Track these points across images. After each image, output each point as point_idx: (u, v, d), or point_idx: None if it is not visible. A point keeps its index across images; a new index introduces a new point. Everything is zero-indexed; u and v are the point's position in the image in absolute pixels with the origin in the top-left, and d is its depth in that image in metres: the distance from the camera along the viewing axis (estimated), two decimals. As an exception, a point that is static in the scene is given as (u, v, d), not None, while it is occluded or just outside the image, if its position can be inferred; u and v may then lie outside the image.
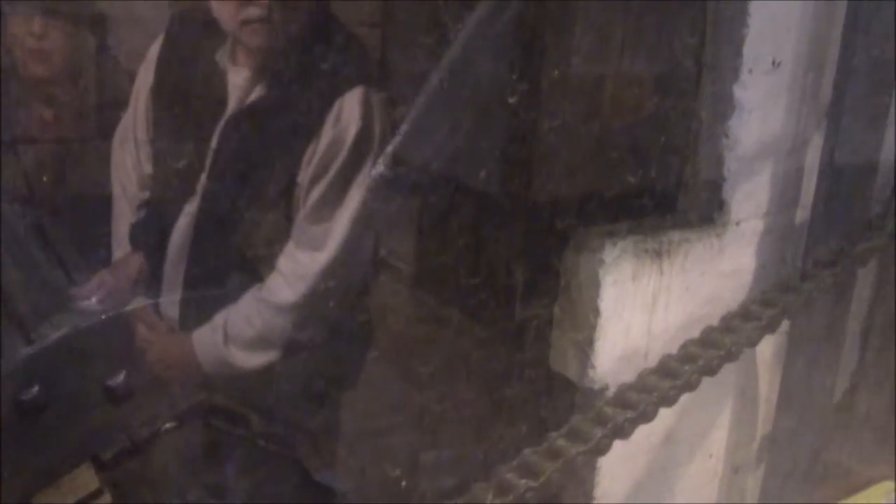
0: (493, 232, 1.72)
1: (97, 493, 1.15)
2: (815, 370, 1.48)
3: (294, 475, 1.18)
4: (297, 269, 1.25)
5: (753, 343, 1.25)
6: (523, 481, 1.05)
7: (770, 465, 1.49)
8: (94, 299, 1.22)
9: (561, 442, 1.10)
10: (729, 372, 1.45)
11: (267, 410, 1.23)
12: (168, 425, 1.17)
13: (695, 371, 1.17)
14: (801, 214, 1.46)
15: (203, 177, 1.26)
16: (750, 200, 1.41)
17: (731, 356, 1.21)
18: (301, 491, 1.17)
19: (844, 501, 1.40)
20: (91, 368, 1.18)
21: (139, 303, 1.27)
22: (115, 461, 1.17)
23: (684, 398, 1.39)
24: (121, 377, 1.19)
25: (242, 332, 1.26)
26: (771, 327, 1.25)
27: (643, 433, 1.37)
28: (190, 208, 1.30)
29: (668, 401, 1.19)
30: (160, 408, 1.19)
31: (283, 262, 1.25)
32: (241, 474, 1.17)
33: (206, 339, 1.27)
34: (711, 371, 1.20)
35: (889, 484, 1.44)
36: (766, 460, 1.51)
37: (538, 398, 1.38)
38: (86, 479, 1.16)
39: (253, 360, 1.27)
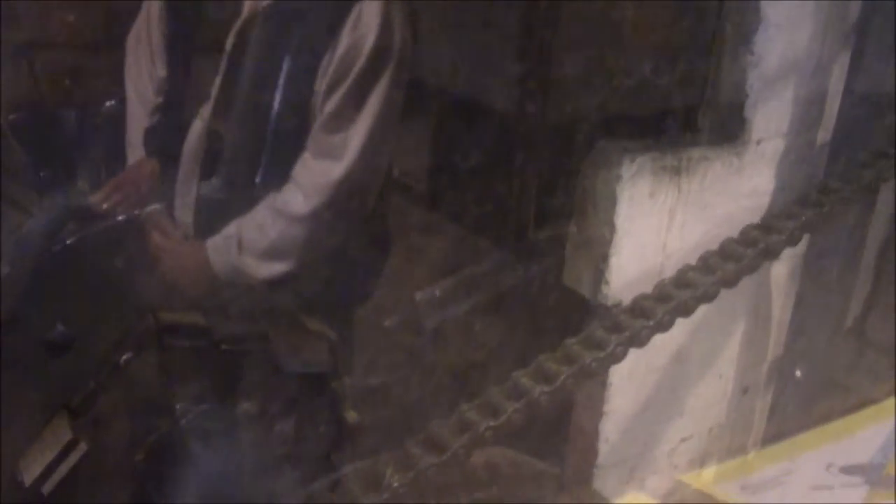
0: (510, 150, 1.71)
1: (74, 443, 1.14)
2: (829, 295, 1.48)
3: (267, 367, 1.17)
4: (313, 179, 1.24)
5: (774, 255, 1.24)
6: (538, 386, 1.05)
7: (779, 387, 1.51)
8: (107, 205, 1.21)
9: (576, 348, 1.10)
10: (742, 293, 1.45)
11: (224, 315, 1.20)
12: (125, 357, 1.15)
13: (714, 282, 1.17)
14: (823, 135, 1.44)
15: (217, 80, 1.24)
16: (771, 120, 1.39)
17: (750, 268, 1.20)
18: (280, 379, 1.16)
19: (863, 412, 1.41)
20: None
21: (153, 208, 1.26)
22: (85, 406, 1.16)
23: (696, 318, 1.40)
24: (58, 329, 1.18)
25: (257, 241, 1.25)
26: (791, 241, 1.24)
27: (653, 352, 1.39)
28: (204, 112, 1.28)
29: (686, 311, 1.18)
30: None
31: (299, 172, 1.24)
32: (215, 380, 1.15)
33: (220, 248, 1.26)
34: (729, 283, 1.19)
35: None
36: (775, 382, 1.52)
37: (551, 314, 1.39)
38: (62, 429, 1.15)
39: (267, 269, 1.26)
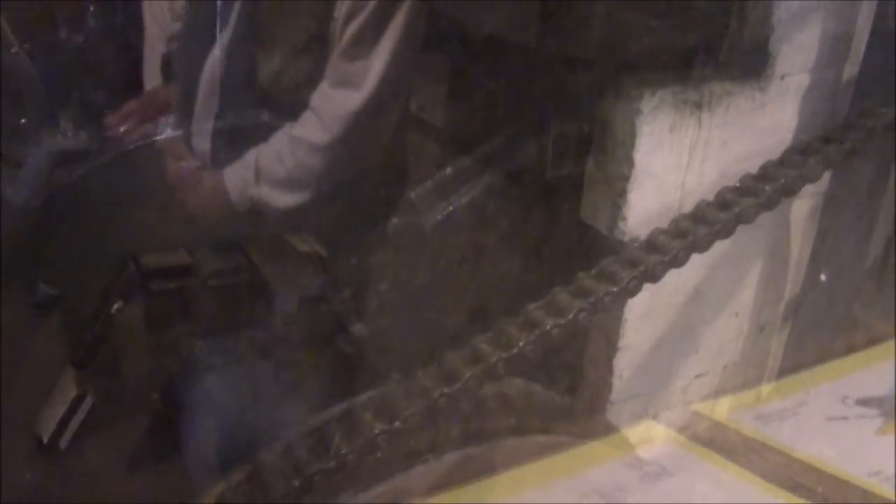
0: (529, 85, 1.68)
1: (81, 398, 1.15)
2: (850, 234, 1.46)
3: (259, 296, 1.17)
4: (331, 108, 1.23)
5: (793, 191, 1.23)
6: (550, 318, 1.05)
7: (795, 326, 1.50)
8: (123, 128, 1.21)
9: (589, 282, 1.10)
10: (761, 231, 1.45)
11: (209, 249, 1.19)
12: (116, 307, 1.16)
13: (731, 218, 1.16)
14: (849, 72, 1.41)
15: (236, 6, 1.22)
16: (797, 54, 1.36)
17: (768, 204, 1.19)
18: (275, 305, 1.16)
19: (880, 346, 1.41)
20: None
21: (170, 136, 1.26)
22: (88, 359, 1.17)
23: (714, 255, 1.39)
24: (42, 289, 1.18)
25: (274, 170, 1.25)
26: (811, 177, 1.22)
27: (670, 289, 1.39)
28: (222, 39, 1.26)
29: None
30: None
31: (317, 101, 1.23)
32: (210, 316, 1.15)
33: (238, 177, 1.26)
34: (747, 219, 1.18)
35: None
36: (791, 320, 1.52)
37: (568, 249, 1.38)
38: (68, 385, 1.16)
39: (285, 199, 1.26)
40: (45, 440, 1.15)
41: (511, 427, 1.12)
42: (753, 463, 1.13)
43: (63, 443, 1.14)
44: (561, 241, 1.42)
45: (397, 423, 0.97)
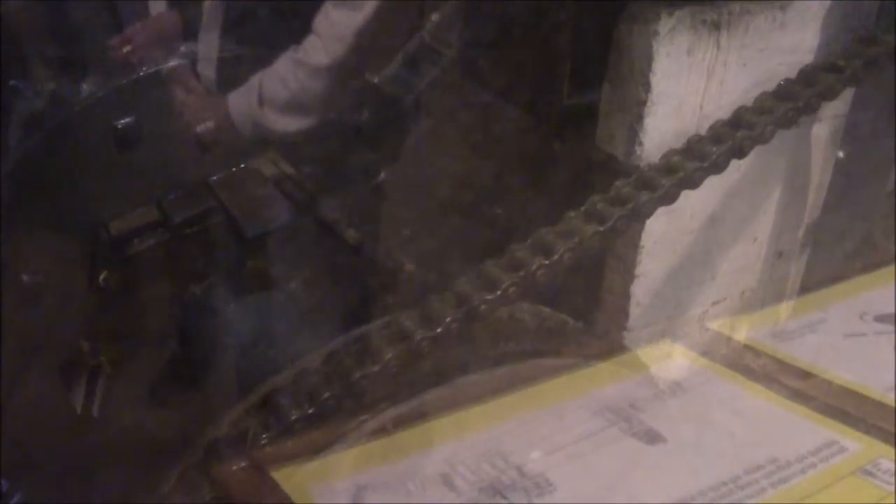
0: (543, 10, 1.65)
1: (97, 370, 1.16)
2: (871, 157, 1.44)
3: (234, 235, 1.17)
4: (333, 29, 1.22)
5: (813, 109, 1.20)
6: (562, 242, 1.05)
7: (814, 252, 1.49)
8: (128, 48, 1.20)
9: (601, 205, 1.09)
10: (780, 156, 1.43)
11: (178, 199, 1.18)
12: (102, 277, 1.15)
13: (746, 137, 1.14)
14: (874, -12, 1.37)
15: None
16: (820, -29, 1.33)
17: (786, 123, 1.17)
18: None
19: (889, 267, 1.40)
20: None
21: (175, 64, 1.25)
22: (93, 331, 1.17)
23: (732, 180, 1.38)
24: (25, 281, 1.16)
25: (277, 93, 1.24)
26: (831, 94, 1.19)
27: (687, 215, 1.38)
28: None
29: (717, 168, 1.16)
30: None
31: (320, 22, 1.22)
32: (193, 264, 1.16)
33: (241, 101, 1.26)
34: (764, 139, 1.16)
35: None
36: (810, 246, 1.50)
37: (583, 175, 1.37)
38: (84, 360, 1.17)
39: (287, 123, 1.26)
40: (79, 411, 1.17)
41: (524, 350, 1.13)
42: (769, 379, 1.13)
43: (95, 411, 1.17)
44: (577, 167, 1.41)
45: (407, 346, 0.98)
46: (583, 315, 1.41)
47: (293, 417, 0.92)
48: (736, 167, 1.37)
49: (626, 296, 1.40)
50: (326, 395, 0.93)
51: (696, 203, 1.37)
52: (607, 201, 1.12)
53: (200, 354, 1.16)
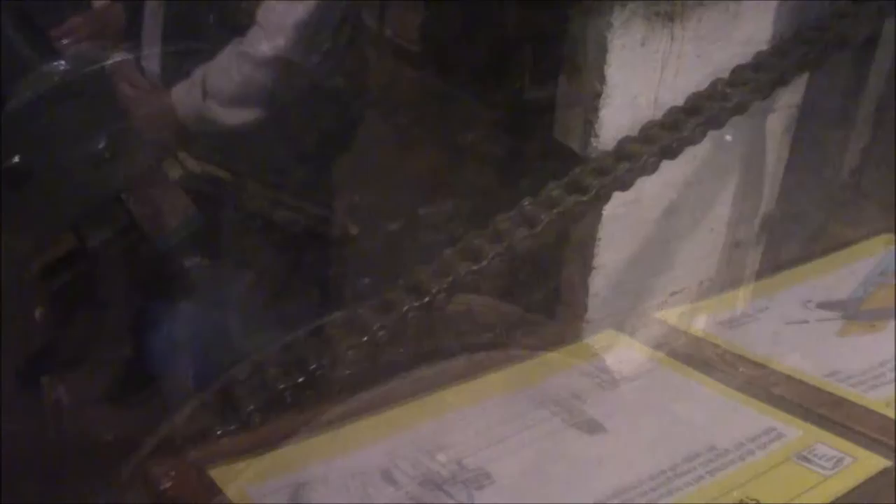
0: (503, 5, 1.65)
1: (58, 403, 1.15)
2: (825, 146, 1.45)
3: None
4: (276, 20, 1.21)
5: (764, 94, 1.21)
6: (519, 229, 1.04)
7: (770, 241, 1.50)
8: (68, 40, 1.18)
9: (556, 192, 1.09)
10: (736, 146, 1.44)
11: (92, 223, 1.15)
12: (38, 314, 1.14)
13: (700, 123, 1.14)
14: (825, -22, 1.38)
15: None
16: (771, -38, 1.34)
17: (740, 108, 1.18)
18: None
19: (846, 250, 1.42)
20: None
21: (119, 57, 1.23)
22: (41, 368, 1.15)
23: (689, 170, 1.39)
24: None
25: (221, 86, 1.23)
26: (783, 80, 1.21)
27: (644, 206, 1.38)
28: None
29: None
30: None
31: (263, 14, 1.21)
32: (120, 278, 1.14)
33: (185, 95, 1.24)
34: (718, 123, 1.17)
35: (888, 236, 1.46)
36: (767, 235, 1.52)
37: (540, 167, 1.37)
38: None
39: (233, 116, 1.25)
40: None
41: (474, 342, 1.13)
42: (711, 368, 1.15)
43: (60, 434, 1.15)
44: (534, 160, 1.41)
45: (366, 338, 0.97)
46: (543, 307, 1.41)
47: (236, 419, 0.91)
48: (692, 157, 1.39)
49: (585, 287, 1.40)
50: (273, 393, 0.92)
51: (652, 194, 1.37)
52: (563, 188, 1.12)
53: (150, 366, 1.15)
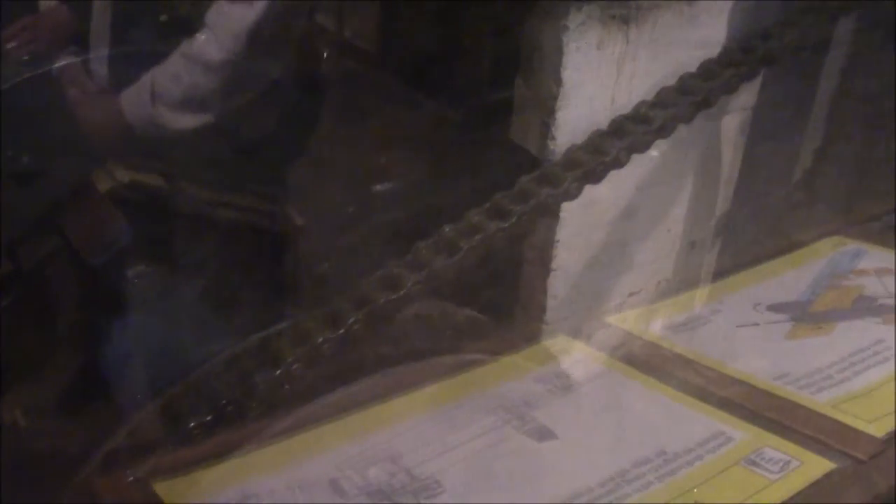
0: (462, 8, 1.65)
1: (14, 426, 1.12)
2: (779, 147, 1.47)
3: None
4: (227, 23, 1.18)
5: (710, 104, 1.23)
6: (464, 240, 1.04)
7: (726, 241, 1.52)
8: (15, 43, 1.15)
9: (505, 201, 1.09)
10: (691, 148, 1.45)
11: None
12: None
13: (648, 131, 1.15)
14: (778, -19, 1.40)
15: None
16: (725, -35, 1.35)
17: (686, 117, 1.19)
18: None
19: (797, 252, 1.43)
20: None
21: (67, 62, 1.20)
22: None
23: (645, 172, 1.40)
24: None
25: (170, 90, 1.20)
26: (729, 88, 1.22)
27: (602, 208, 1.39)
28: None
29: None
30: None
31: (213, 17, 1.18)
32: (63, 299, 1.13)
33: (134, 99, 1.21)
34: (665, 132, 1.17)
35: (838, 237, 1.48)
36: (722, 236, 1.53)
37: (499, 171, 1.37)
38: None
39: (182, 120, 1.22)
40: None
41: (426, 348, 1.13)
42: (662, 372, 1.15)
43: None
44: (492, 163, 1.41)
45: (308, 349, 0.96)
46: (501, 310, 1.42)
47: (183, 429, 0.90)
48: (648, 159, 1.40)
49: (543, 290, 1.40)
50: (217, 405, 0.91)
51: (610, 196, 1.38)
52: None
53: (97, 380, 1.13)
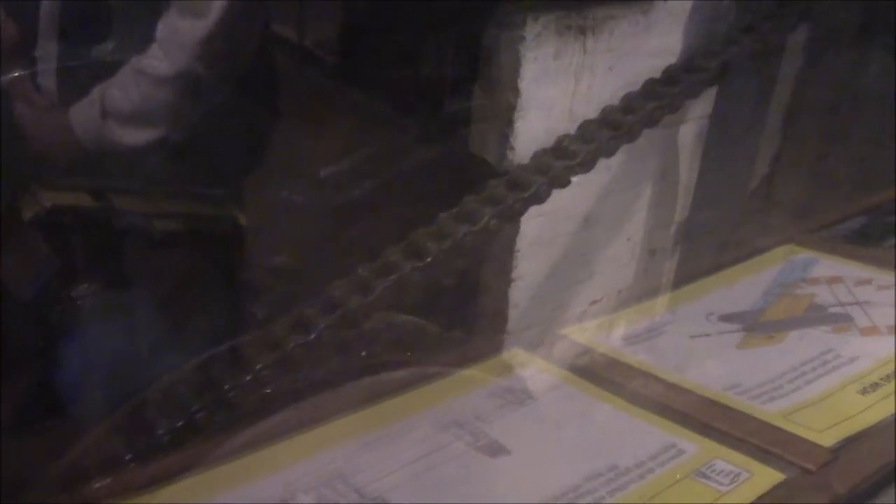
0: (421, 20, 1.64)
1: None
2: (736, 155, 1.48)
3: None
4: (177, 37, 1.16)
5: (674, 109, 1.23)
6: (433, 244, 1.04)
7: (685, 249, 1.53)
8: None
9: (474, 205, 1.09)
10: (650, 156, 1.46)
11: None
12: None
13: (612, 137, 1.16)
14: (733, -10, 1.41)
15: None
16: (679, -25, 1.36)
17: (650, 121, 1.20)
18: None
19: (751, 261, 1.44)
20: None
21: (14, 76, 1.18)
22: None
23: (604, 181, 1.40)
24: None
25: (120, 106, 1.18)
26: (691, 93, 1.23)
27: (562, 217, 1.40)
28: None
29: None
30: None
31: (162, 31, 1.16)
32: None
33: (84, 114, 1.19)
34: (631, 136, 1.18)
35: (790, 246, 1.49)
36: (681, 244, 1.54)
37: (459, 182, 1.37)
38: None
39: (133, 136, 1.20)
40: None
41: (382, 362, 1.13)
42: (615, 385, 1.15)
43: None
44: (452, 174, 1.41)
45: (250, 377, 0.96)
46: (463, 320, 1.42)
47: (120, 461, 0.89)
48: (606, 168, 1.41)
49: (505, 299, 1.41)
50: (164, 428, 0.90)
51: (569, 204, 1.39)
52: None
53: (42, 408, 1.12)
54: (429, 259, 1.03)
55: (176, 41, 1.15)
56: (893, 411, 1.10)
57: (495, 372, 1.17)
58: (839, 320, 1.31)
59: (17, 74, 1.17)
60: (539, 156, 1.20)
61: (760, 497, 0.96)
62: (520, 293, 1.41)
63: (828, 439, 1.05)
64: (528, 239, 1.38)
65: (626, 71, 1.36)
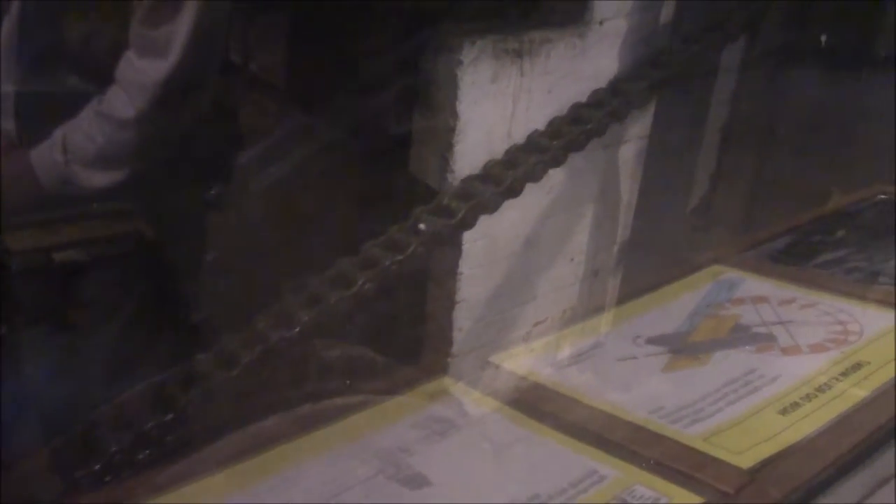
0: (359, 41, 1.64)
1: None
2: (674, 174, 1.50)
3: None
4: (137, 79, 1.14)
5: (600, 133, 1.25)
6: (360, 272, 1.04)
7: (627, 268, 1.54)
8: None
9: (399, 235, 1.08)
10: (590, 177, 1.47)
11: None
12: None
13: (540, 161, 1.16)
14: (665, 14, 1.44)
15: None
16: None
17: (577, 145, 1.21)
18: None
19: (679, 282, 1.45)
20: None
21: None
22: None
23: (545, 203, 1.41)
24: None
25: (83, 148, 1.16)
26: (618, 115, 1.24)
27: (504, 239, 1.40)
28: (14, 8, 1.17)
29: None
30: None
31: (123, 72, 1.14)
32: None
33: (45, 157, 1.16)
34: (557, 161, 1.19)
35: (718, 266, 1.50)
36: (624, 263, 1.55)
37: (399, 205, 1.37)
38: None
39: (98, 178, 1.18)
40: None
41: (312, 392, 1.11)
42: (540, 412, 1.13)
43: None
44: (392, 197, 1.40)
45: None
46: (406, 346, 1.40)
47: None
48: (548, 188, 1.42)
49: (449, 322, 1.40)
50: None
51: (510, 227, 1.39)
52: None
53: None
54: (354, 289, 1.03)
55: (137, 82, 1.13)
56: (810, 431, 1.11)
57: (420, 403, 1.15)
58: (762, 340, 1.31)
59: None
60: (467, 182, 1.21)
61: (678, 522, 0.95)
62: (464, 316, 1.41)
63: (746, 461, 1.04)
64: (471, 262, 1.38)
65: (565, 93, 1.37)
